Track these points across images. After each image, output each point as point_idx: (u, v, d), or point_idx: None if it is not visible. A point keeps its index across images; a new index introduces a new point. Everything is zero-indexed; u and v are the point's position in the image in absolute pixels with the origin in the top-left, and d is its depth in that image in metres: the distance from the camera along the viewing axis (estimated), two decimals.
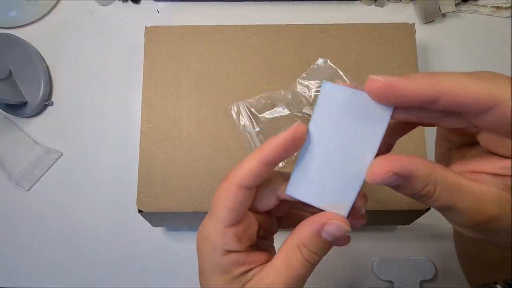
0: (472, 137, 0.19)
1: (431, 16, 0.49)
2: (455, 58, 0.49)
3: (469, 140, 0.20)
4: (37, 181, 0.47)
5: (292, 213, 0.25)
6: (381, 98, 0.17)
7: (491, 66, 0.49)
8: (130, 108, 0.48)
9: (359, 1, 0.51)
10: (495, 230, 0.18)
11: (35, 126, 0.49)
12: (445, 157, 0.22)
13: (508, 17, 0.50)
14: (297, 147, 0.19)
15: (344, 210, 0.20)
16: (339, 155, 0.19)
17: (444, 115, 0.18)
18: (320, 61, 0.40)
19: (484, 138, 0.18)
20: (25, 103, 0.48)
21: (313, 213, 0.21)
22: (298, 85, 0.39)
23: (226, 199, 0.20)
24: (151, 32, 0.41)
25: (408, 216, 0.40)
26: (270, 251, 0.24)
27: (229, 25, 0.41)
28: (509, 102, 0.16)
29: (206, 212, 0.21)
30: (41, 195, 0.47)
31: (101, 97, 0.49)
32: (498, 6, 0.49)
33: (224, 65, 0.40)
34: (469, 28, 0.50)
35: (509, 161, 0.17)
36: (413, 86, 0.16)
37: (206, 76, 0.40)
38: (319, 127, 0.19)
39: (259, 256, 0.21)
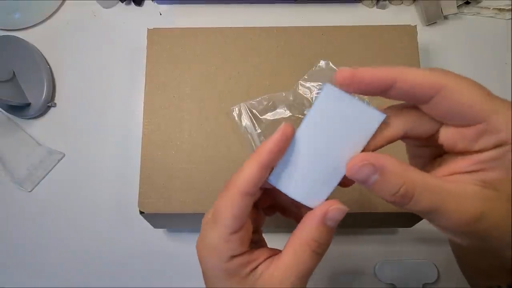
0: (438, 147, 0.20)
1: (433, 18, 0.49)
2: (457, 60, 0.49)
3: (437, 152, 0.21)
4: (39, 182, 0.47)
5: (275, 204, 0.26)
6: (347, 84, 0.19)
7: (493, 67, 0.49)
8: (132, 110, 0.48)
9: (361, 3, 0.51)
10: (484, 230, 0.18)
11: (37, 128, 0.49)
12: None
13: (510, 19, 0.50)
14: (288, 145, 0.21)
15: (316, 204, 0.21)
16: (323, 154, 0.20)
17: (411, 122, 0.20)
18: (322, 63, 0.40)
19: (443, 137, 0.19)
20: (28, 105, 0.48)
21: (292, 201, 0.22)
22: (300, 87, 0.39)
23: (232, 207, 0.20)
24: (154, 34, 0.41)
25: (410, 219, 0.40)
26: (263, 245, 0.25)
27: (231, 27, 0.41)
28: (452, 87, 0.17)
29: None
30: (43, 196, 0.47)
31: (104, 99, 0.49)
32: (500, 8, 0.49)
33: (226, 67, 0.40)
34: (471, 30, 0.50)
35: (478, 155, 0.18)
36: (372, 72, 0.19)
37: (208, 78, 0.40)
38: (311, 126, 0.20)
39: (261, 252, 0.22)
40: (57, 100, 0.50)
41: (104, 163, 0.47)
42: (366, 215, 0.37)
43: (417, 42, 0.40)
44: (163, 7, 0.52)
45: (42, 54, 0.50)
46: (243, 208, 0.20)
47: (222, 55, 0.40)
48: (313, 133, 0.20)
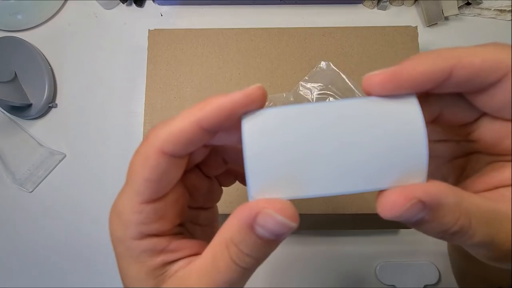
0: (464, 145, 0.16)
1: (434, 19, 0.49)
2: None
3: (460, 150, 0.17)
4: (40, 183, 0.47)
5: (231, 170, 0.20)
6: (386, 91, 0.14)
7: None
8: (133, 110, 0.48)
9: (361, 4, 0.51)
10: None
11: (39, 128, 0.49)
12: (436, 176, 0.18)
13: (511, 20, 0.49)
14: (249, 110, 0.14)
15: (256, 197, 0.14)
16: (337, 150, 0.14)
17: (445, 105, 0.15)
18: (322, 64, 0.40)
19: (484, 131, 0.15)
20: (30, 105, 0.48)
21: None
22: (301, 88, 0.39)
23: (143, 167, 0.14)
24: (155, 35, 0.41)
25: None
26: (214, 227, 0.20)
27: (232, 28, 0.41)
28: None
29: None
30: (44, 196, 0.47)
31: (105, 100, 0.49)
32: (501, 9, 0.49)
33: (227, 67, 0.40)
34: (473, 31, 0.50)
35: None
36: (421, 65, 0.14)
37: (208, 79, 0.40)
38: (325, 114, 0.14)
39: (189, 243, 0.16)
40: (58, 100, 0.50)
41: (105, 163, 0.47)
42: (366, 217, 0.37)
43: (418, 43, 0.40)
44: (164, 8, 0.52)
45: (44, 55, 0.50)
46: (161, 172, 0.14)
47: (223, 56, 0.40)
48: (330, 122, 0.14)
